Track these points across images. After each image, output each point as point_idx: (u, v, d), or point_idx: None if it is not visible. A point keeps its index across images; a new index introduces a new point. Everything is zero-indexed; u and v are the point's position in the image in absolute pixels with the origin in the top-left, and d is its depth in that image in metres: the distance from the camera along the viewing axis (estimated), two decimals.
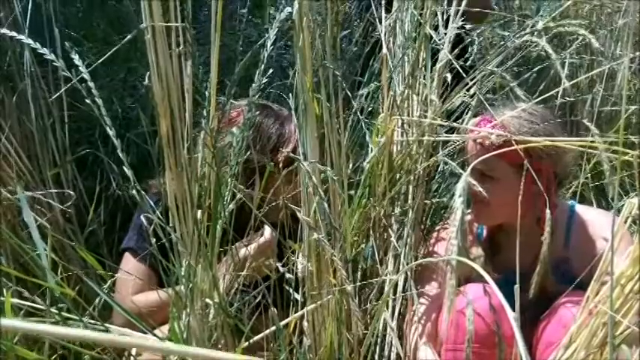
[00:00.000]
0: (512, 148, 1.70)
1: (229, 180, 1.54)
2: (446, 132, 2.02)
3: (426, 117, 1.91)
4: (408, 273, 1.88)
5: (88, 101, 1.43)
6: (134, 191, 1.41)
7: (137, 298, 1.86)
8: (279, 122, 1.96)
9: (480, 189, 1.79)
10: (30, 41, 1.41)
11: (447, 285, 1.09)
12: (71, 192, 2.07)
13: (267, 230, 1.84)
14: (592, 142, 1.54)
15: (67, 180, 2.38)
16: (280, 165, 1.88)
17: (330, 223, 1.49)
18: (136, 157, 2.85)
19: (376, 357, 1.78)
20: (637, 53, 2.51)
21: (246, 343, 1.51)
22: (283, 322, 1.55)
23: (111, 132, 1.40)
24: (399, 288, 1.87)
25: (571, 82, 2.11)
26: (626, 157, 1.33)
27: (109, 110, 1.54)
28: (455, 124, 1.91)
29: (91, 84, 1.49)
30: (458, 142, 2.02)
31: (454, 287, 1.08)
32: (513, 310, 1.76)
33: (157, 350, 0.51)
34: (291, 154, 1.88)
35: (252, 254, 1.77)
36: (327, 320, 1.56)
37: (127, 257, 1.97)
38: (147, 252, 1.85)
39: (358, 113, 2.08)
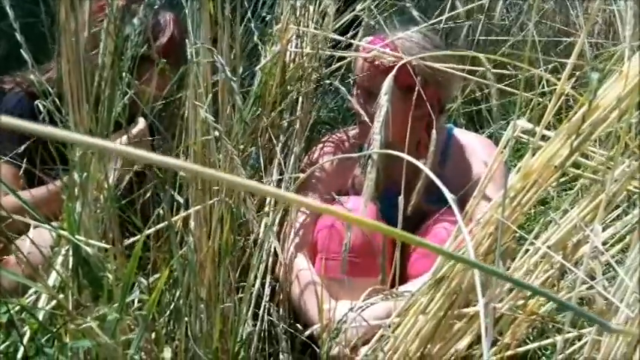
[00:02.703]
0: (400, 63, 1.74)
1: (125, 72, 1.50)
2: (337, 47, 2.05)
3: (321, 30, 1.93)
4: (290, 182, 1.92)
5: None
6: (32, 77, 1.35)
7: (5, 199, 1.77)
8: (153, 11, 1.90)
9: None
10: None
11: (366, 179, 1.12)
12: None
13: (141, 121, 1.81)
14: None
15: None
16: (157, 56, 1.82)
17: (242, 119, 1.48)
18: (8, 48, 2.69)
19: (254, 261, 1.81)
20: None
21: (135, 238, 1.50)
22: (175, 218, 1.55)
23: (11, 13, 1.33)
24: None
25: (464, 8, 2.17)
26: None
27: None
28: (350, 40, 1.93)
29: None
30: (348, 59, 2.04)
31: (373, 180, 1.12)
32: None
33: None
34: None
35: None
36: (215, 221, 1.57)
37: None
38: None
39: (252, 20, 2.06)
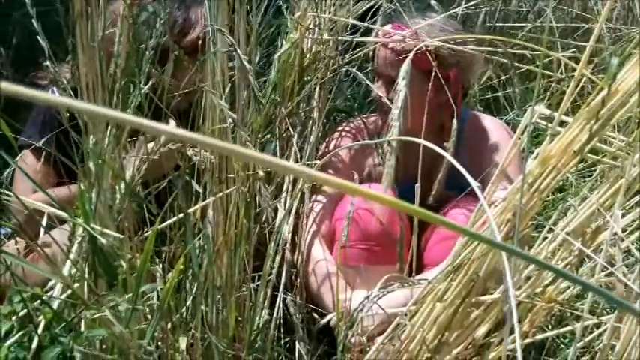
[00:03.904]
0: (420, 45, 1.72)
1: (145, 62, 1.49)
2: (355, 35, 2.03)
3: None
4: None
5: None
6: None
7: (36, 196, 1.79)
8: (184, 6, 1.91)
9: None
10: None
11: (385, 166, 1.12)
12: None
13: (172, 122, 1.80)
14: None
15: None
16: (187, 50, 1.82)
17: (250, 103, 1.47)
18: (20, 38, 2.70)
19: (271, 251, 1.80)
20: None
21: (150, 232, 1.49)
22: (190, 210, 1.54)
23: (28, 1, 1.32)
24: (299, 186, 1.89)
25: None
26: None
27: None
28: (370, 26, 1.91)
29: None
30: (367, 47, 2.02)
31: (393, 167, 1.11)
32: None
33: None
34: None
35: (157, 145, 1.74)
36: (231, 209, 1.56)
37: (26, 154, 1.90)
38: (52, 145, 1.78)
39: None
